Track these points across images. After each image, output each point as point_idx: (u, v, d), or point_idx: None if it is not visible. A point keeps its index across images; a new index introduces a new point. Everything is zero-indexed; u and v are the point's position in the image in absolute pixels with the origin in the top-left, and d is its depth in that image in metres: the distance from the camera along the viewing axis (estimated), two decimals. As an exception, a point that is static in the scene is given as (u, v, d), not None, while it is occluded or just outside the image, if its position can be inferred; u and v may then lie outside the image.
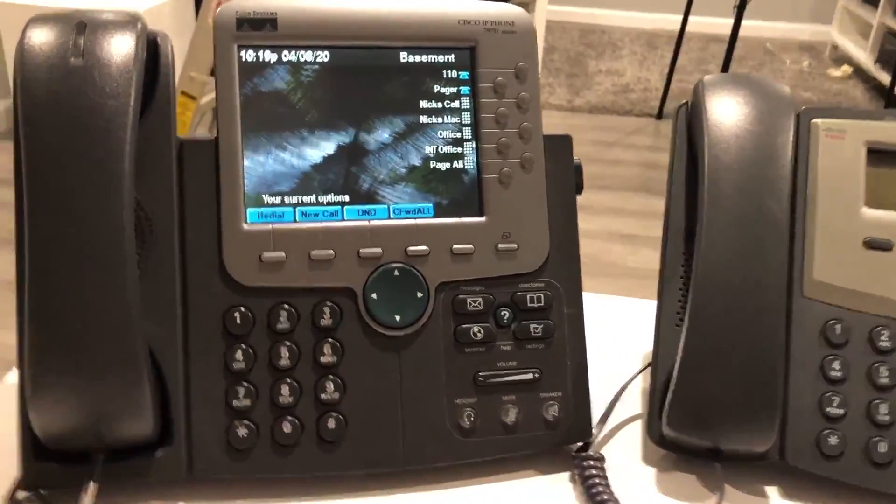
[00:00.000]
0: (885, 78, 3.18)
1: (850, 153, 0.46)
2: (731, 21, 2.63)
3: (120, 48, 0.38)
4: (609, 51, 3.81)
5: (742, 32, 2.63)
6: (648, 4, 4.14)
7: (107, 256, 0.36)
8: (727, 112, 0.45)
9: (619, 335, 0.56)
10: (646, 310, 0.58)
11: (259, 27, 0.42)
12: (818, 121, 0.46)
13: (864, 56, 3.56)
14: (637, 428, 0.48)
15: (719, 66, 2.78)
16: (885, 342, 0.44)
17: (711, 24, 3.81)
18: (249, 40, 0.42)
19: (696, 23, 3.21)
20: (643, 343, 0.54)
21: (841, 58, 3.81)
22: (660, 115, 3.10)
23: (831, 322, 0.44)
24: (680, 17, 3.00)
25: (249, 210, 0.41)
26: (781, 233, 0.43)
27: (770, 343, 0.42)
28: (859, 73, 3.64)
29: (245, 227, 0.41)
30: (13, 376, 0.51)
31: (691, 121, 0.47)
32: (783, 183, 0.43)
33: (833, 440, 0.43)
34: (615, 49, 3.85)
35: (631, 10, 4.19)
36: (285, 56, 0.42)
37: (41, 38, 0.38)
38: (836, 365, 0.44)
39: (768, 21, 4.02)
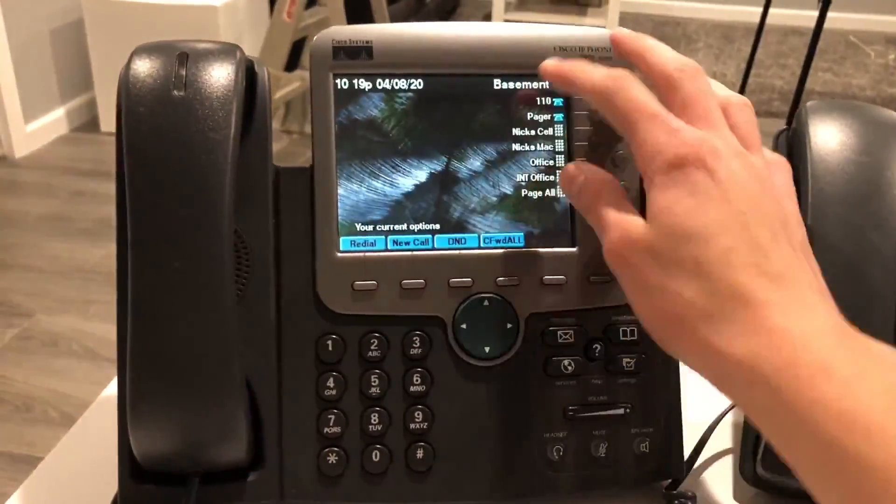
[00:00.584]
0: (978, 73, 3.04)
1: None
2: (811, 13, 2.54)
3: (220, 79, 0.38)
4: (684, 44, 3.73)
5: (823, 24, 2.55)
6: (725, -5, 4.04)
7: (207, 287, 0.37)
8: (832, 141, 0.43)
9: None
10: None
11: (355, 55, 0.42)
12: (930, 150, 0.44)
13: (954, 49, 3.41)
14: (728, 464, 0.47)
15: (799, 61, 2.69)
16: None
17: (790, 15, 3.70)
18: (345, 68, 0.42)
19: (775, 14, 3.11)
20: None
21: (930, 51, 3.67)
22: (736, 111, 3.02)
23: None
24: (756, 9, 2.92)
25: (343, 238, 0.42)
26: (889, 270, 0.41)
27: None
28: (949, 67, 3.49)
29: (338, 255, 0.41)
30: (109, 390, 0.52)
31: (792, 149, 0.45)
32: (893, 218, 0.41)
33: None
34: (690, 42, 3.77)
35: (706, 1, 4.09)
36: (380, 84, 0.42)
37: (144, 69, 0.38)
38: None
39: (852, 12, 3.87)
